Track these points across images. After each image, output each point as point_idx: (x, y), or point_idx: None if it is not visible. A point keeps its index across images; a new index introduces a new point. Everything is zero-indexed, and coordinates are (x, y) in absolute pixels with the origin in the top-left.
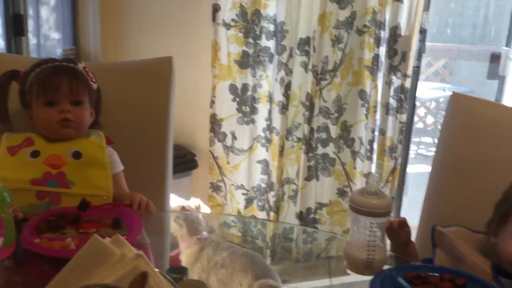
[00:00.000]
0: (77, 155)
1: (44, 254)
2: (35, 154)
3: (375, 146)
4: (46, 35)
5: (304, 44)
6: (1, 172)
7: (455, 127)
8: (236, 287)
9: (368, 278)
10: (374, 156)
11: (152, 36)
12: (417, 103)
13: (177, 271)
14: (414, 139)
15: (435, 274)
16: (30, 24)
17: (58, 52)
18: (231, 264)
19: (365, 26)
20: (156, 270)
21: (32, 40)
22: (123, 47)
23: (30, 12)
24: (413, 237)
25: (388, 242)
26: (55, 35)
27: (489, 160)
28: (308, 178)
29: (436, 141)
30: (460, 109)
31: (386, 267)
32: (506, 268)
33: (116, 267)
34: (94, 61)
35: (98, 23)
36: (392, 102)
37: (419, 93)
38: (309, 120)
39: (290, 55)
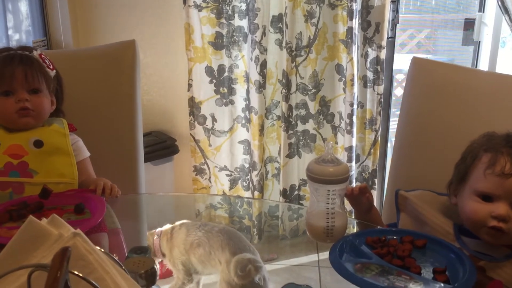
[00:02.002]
0: (38, 143)
1: (3, 243)
2: None
3: (354, 119)
4: (16, 27)
5: (277, 21)
6: None
7: (416, 91)
8: (215, 264)
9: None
10: (355, 130)
11: (123, 22)
12: (402, 75)
13: (138, 251)
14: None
15: (395, 237)
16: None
17: (29, 44)
18: (208, 242)
19: None
20: (98, 248)
21: (1, 32)
22: (94, 35)
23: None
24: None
25: (350, 209)
26: (25, 27)
27: (450, 122)
28: (289, 156)
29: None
30: (421, 73)
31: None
32: (467, 227)
33: (53, 247)
34: (59, 49)
35: (68, 12)
36: (369, 74)
37: (403, 65)
38: (287, 98)
39: (264, 34)
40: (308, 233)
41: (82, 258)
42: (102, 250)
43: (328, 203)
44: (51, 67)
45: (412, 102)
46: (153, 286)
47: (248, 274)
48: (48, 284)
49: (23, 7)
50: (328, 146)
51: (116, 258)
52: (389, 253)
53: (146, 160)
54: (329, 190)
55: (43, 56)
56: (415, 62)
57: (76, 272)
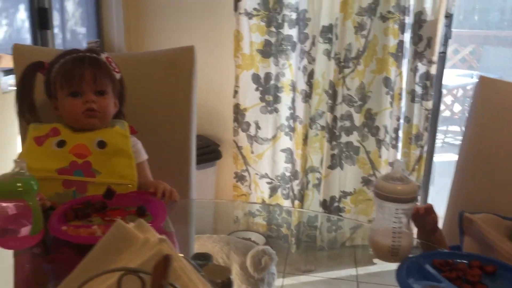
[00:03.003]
0: (102, 144)
1: (71, 241)
2: (61, 144)
3: (400, 134)
4: (71, 28)
5: (327, 31)
6: (29, 162)
7: (483, 113)
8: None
9: (395, 266)
10: (400, 144)
11: (174, 27)
12: (444, 91)
13: (202, 257)
14: (441, 127)
15: (463, 261)
16: (56, 18)
17: (83, 45)
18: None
19: (389, 12)
20: (181, 255)
21: (57, 33)
22: (146, 38)
23: (56, 5)
24: (440, 225)
25: (414, 229)
26: (80, 28)
27: None
28: (331, 167)
29: (464, 129)
30: (489, 94)
31: (412, 254)
32: None
33: (140, 252)
34: (118, 52)
35: (121, 15)
36: (418, 89)
37: (445, 81)
38: (332, 108)
39: (313, 43)
40: (371, 250)
41: None
42: (187, 258)
43: (395, 222)
44: (117, 70)
45: (478, 122)
46: None
47: (266, 266)
48: None
49: (79, 9)
50: (397, 164)
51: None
52: (458, 278)
53: None
54: (397, 209)
55: (110, 59)
56: (483, 81)
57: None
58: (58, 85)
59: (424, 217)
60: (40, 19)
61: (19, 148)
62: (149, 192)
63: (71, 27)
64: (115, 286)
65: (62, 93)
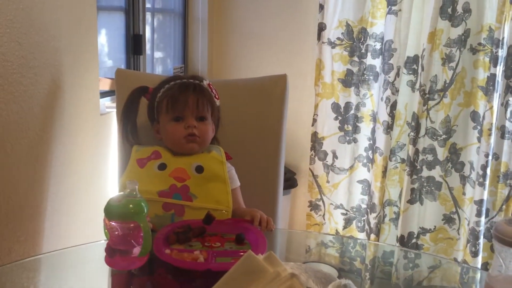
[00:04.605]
0: (199, 169)
1: (176, 265)
2: (162, 166)
3: (488, 171)
4: (159, 54)
5: (412, 62)
6: None
7: None
8: None
9: None
10: (487, 182)
11: (256, 54)
12: None
13: None
14: None
15: None
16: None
17: (169, 69)
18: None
19: (479, 44)
20: None
21: (149, 58)
22: (228, 66)
23: (147, 32)
24: None
25: None
26: (167, 54)
27: None
28: (411, 201)
29: None
30: None
31: None
32: None
33: (270, 285)
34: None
35: (206, 43)
36: (509, 125)
37: None
38: (414, 141)
39: (397, 74)
40: None
41: None
42: None
43: None
44: (217, 96)
45: None
46: None
47: None
48: None
49: (168, 36)
50: None
51: None
52: None
53: None
54: None
55: (211, 86)
56: None
57: None
58: (162, 109)
59: None
60: (135, 45)
61: (115, 168)
62: (246, 219)
63: (159, 53)
64: None
65: (165, 117)
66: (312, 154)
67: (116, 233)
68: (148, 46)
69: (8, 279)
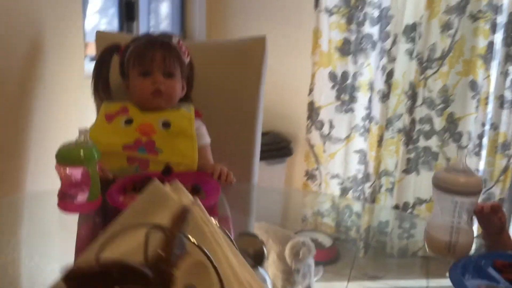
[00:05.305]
0: (166, 125)
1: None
2: (128, 121)
3: (485, 141)
4: (156, 21)
5: (410, 30)
6: (98, 137)
7: None
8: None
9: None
10: (484, 153)
11: (254, 21)
12: None
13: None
14: None
15: None
16: (143, 10)
17: None
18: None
19: (479, 11)
20: (212, 219)
21: (142, 25)
22: (226, 32)
23: None
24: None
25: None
26: (164, 22)
27: None
28: (407, 171)
29: None
30: None
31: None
32: None
33: (172, 213)
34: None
35: (204, 12)
36: (508, 94)
37: None
38: (411, 111)
39: (394, 42)
40: (426, 245)
41: (198, 227)
42: (217, 224)
43: (454, 217)
44: (187, 54)
45: None
46: (259, 267)
47: (303, 257)
48: (165, 240)
49: (164, 8)
50: (462, 154)
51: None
52: None
53: (260, 159)
54: (456, 202)
55: (180, 43)
56: None
57: (190, 238)
58: (130, 65)
59: (489, 215)
60: (127, 11)
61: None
62: (207, 173)
63: (156, 19)
64: (142, 243)
65: (133, 72)
66: (308, 124)
67: (68, 177)
68: (144, 13)
69: None
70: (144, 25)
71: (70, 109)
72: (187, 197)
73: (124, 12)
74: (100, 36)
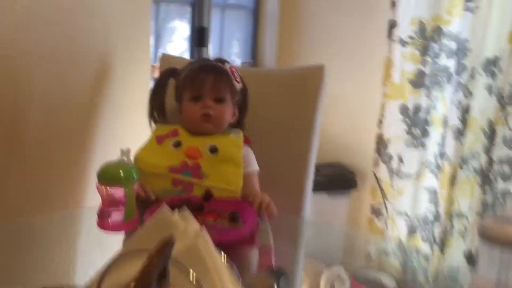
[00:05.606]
0: (213, 150)
1: None
2: (177, 144)
3: None
4: (227, 48)
5: (490, 64)
6: (146, 157)
7: None
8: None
9: None
10: None
11: (325, 49)
12: None
13: (272, 271)
14: None
15: None
16: (215, 36)
17: (236, 65)
18: None
19: None
20: (219, 251)
21: (213, 51)
22: (297, 59)
23: (215, 25)
24: None
25: None
26: (235, 48)
27: None
28: (482, 215)
29: None
30: None
31: None
32: None
33: (177, 241)
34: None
35: (276, 38)
36: None
37: None
38: (488, 150)
39: (472, 76)
40: None
41: (200, 260)
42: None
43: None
44: (238, 80)
45: None
46: None
47: None
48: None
49: (238, 30)
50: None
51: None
52: None
53: (321, 189)
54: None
55: (233, 69)
56: None
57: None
58: (183, 89)
59: None
60: (199, 37)
61: None
62: (247, 201)
63: (228, 46)
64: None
65: (185, 96)
66: (376, 157)
67: (109, 196)
68: (216, 40)
69: None
70: (215, 51)
71: (133, 128)
72: (194, 227)
73: (196, 38)
74: (165, 59)
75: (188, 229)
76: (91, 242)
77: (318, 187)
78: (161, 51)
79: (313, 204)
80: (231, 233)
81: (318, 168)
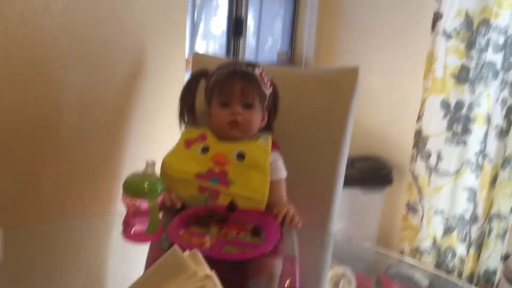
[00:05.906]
0: (241, 156)
1: (181, 247)
2: (205, 150)
3: None
4: (265, 38)
5: None
6: (173, 162)
7: None
8: None
9: None
10: None
11: (364, 43)
12: None
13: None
14: None
15: None
16: (252, 26)
17: (273, 55)
18: None
19: None
20: None
21: (251, 41)
22: (335, 53)
23: (253, 15)
24: None
25: None
26: (273, 39)
27: None
28: None
29: None
30: None
31: None
32: None
33: (186, 282)
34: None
35: (314, 29)
36: None
37: None
38: None
39: None
40: None
41: None
42: None
43: None
44: (268, 85)
45: None
46: None
47: None
48: None
49: (277, 21)
50: None
51: None
52: None
53: (356, 185)
54: None
55: (263, 74)
56: None
57: None
58: (212, 94)
59: None
60: (236, 27)
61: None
62: (271, 212)
63: (266, 37)
64: None
65: (214, 101)
66: (414, 153)
67: (134, 207)
68: (252, 30)
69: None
70: (252, 41)
71: (166, 127)
72: (202, 270)
73: (233, 28)
74: (196, 57)
75: (197, 272)
76: (118, 248)
77: (352, 181)
78: (196, 44)
79: (346, 199)
80: (252, 252)
81: (353, 161)
